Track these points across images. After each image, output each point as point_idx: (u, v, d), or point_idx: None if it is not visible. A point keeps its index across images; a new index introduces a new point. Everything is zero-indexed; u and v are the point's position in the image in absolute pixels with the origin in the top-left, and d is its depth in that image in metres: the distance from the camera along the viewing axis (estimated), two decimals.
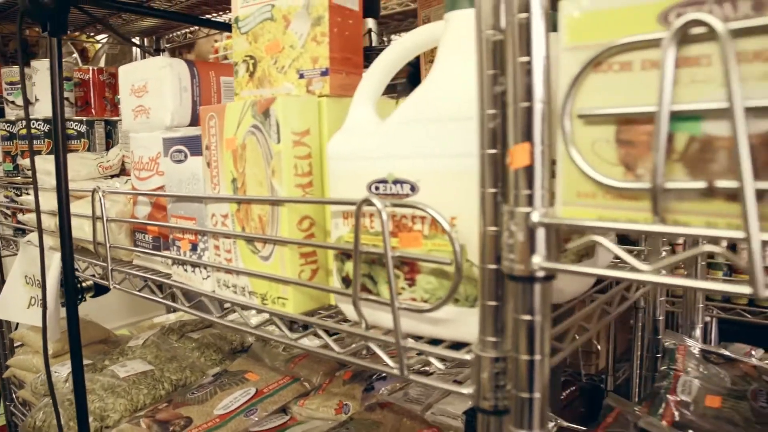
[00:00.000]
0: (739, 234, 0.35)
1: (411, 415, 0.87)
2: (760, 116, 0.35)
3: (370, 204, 0.55)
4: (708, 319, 1.99)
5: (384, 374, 0.58)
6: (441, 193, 0.54)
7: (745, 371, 0.80)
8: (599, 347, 1.46)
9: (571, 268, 0.44)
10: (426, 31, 0.60)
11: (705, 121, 0.37)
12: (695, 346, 0.89)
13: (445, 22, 0.59)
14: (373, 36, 1.36)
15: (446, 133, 0.53)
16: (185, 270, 0.86)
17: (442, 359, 0.56)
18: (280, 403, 0.99)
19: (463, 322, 0.55)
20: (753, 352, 1.96)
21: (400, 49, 0.62)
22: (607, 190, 0.41)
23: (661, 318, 0.99)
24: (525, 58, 0.43)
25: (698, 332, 0.96)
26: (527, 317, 0.45)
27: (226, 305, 0.79)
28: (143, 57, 1.69)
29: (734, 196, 0.36)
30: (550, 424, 1.07)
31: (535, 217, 0.43)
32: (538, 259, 0.44)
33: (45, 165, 1.15)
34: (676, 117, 0.38)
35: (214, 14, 1.33)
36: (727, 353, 0.85)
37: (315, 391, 1.02)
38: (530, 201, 0.44)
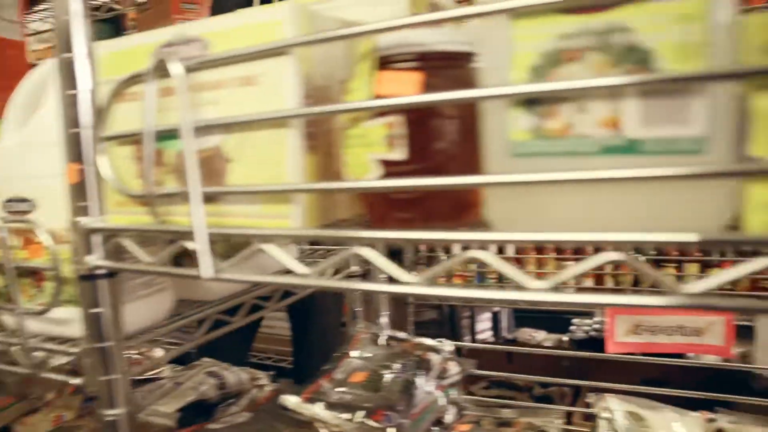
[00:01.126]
0: (187, 228, 0.43)
1: None
2: (208, 134, 0.43)
3: None
4: (497, 309, 2.19)
5: None
6: (57, 208, 0.58)
7: (406, 349, 0.91)
8: None
9: (114, 265, 0.50)
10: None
11: (180, 139, 0.45)
12: (381, 331, 0.98)
13: None
14: None
15: (54, 155, 0.58)
16: None
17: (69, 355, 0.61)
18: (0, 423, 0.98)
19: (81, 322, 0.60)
20: (534, 334, 2.17)
21: (38, 78, 0.67)
22: (129, 198, 0.48)
23: (358, 309, 1.10)
24: (71, 91, 0.49)
25: (385, 319, 1.06)
26: (96, 310, 0.51)
27: None
28: None
29: (211, 198, 0.45)
30: None
31: (85, 224, 0.49)
32: (91, 259, 0.50)
33: None
34: (164, 137, 0.45)
35: None
36: (400, 335, 0.96)
37: (43, 408, 1.02)
38: (85, 211, 0.50)
